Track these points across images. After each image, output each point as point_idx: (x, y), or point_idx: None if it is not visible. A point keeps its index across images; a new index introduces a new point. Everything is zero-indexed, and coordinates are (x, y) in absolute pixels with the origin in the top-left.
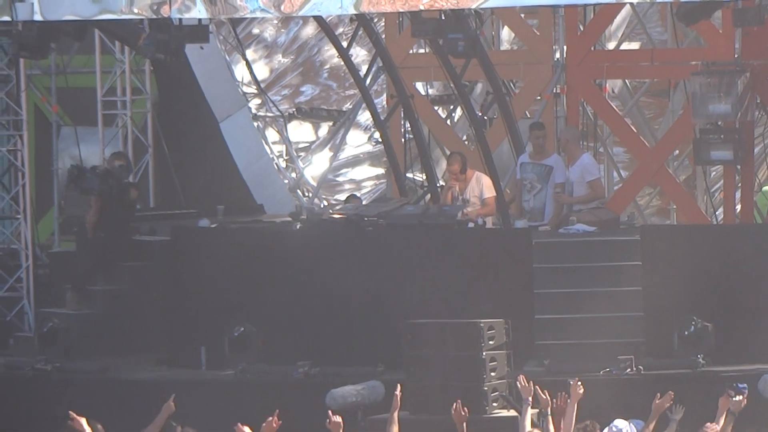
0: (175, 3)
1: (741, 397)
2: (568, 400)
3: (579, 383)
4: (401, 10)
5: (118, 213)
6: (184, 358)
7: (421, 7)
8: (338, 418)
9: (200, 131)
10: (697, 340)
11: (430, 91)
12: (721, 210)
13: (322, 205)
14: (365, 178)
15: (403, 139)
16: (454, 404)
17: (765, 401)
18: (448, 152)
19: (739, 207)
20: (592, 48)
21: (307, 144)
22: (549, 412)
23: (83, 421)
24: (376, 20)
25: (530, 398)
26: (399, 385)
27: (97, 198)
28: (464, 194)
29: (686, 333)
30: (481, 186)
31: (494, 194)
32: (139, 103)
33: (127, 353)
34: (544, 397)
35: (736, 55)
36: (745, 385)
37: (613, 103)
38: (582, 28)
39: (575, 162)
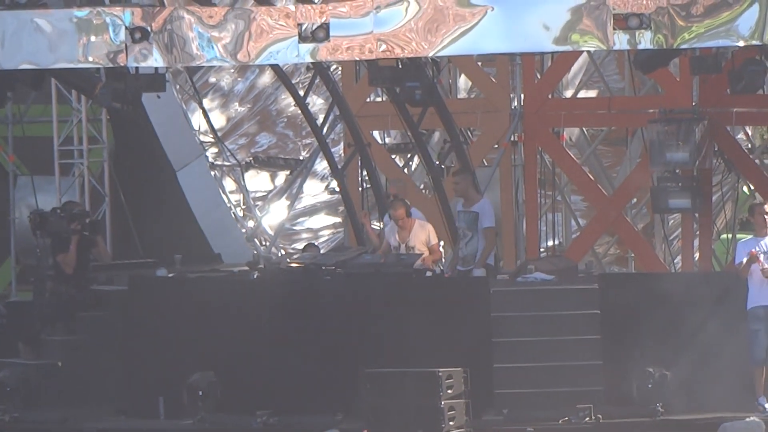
0: (132, 51)
1: None
2: None
3: None
4: (358, 59)
5: (87, 255)
6: (143, 407)
7: (378, 56)
8: None
9: (157, 180)
10: (655, 389)
11: (387, 140)
12: (679, 258)
13: (279, 254)
14: (322, 226)
15: (360, 188)
16: None
17: None
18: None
19: (697, 255)
20: (550, 96)
21: (265, 193)
22: None
23: None
24: (333, 69)
25: None
26: None
27: (75, 238)
28: (408, 241)
29: (645, 381)
30: (427, 233)
31: (437, 241)
32: (95, 153)
33: (85, 403)
34: None
35: (693, 103)
36: None
37: (570, 151)
38: (539, 77)
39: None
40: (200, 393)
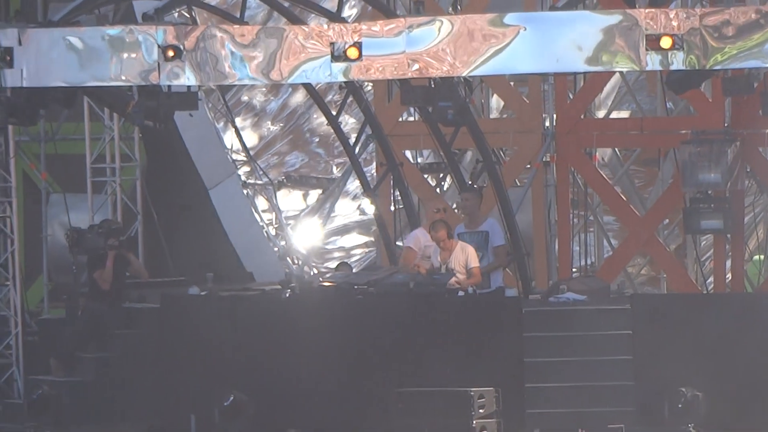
0: (164, 70)
1: None
2: None
3: None
4: (391, 78)
5: (123, 271)
6: (174, 426)
7: (411, 75)
8: None
9: (190, 198)
10: (687, 409)
11: (420, 159)
12: (711, 279)
13: (311, 273)
14: (354, 245)
15: (392, 208)
16: None
17: None
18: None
19: (729, 276)
20: (582, 116)
21: (297, 212)
22: None
23: None
24: (365, 88)
25: None
26: None
27: (112, 254)
28: (449, 263)
29: (677, 402)
30: (467, 255)
31: (478, 264)
32: (128, 170)
33: (117, 421)
34: None
35: (726, 124)
36: None
37: (603, 172)
38: (572, 97)
39: None
40: (232, 411)
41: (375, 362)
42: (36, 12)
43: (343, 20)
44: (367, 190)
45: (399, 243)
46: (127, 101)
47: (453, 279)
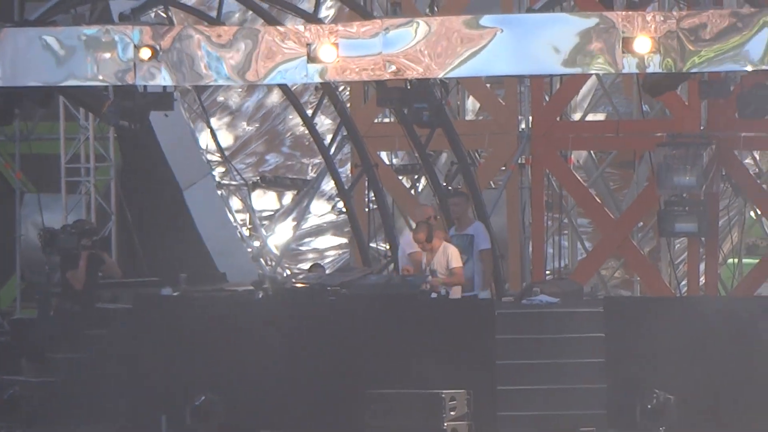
0: (140, 70)
1: None
2: None
3: None
4: (366, 79)
5: (96, 271)
6: (145, 427)
7: (387, 77)
8: None
9: (164, 199)
10: (659, 413)
11: (395, 161)
12: (685, 282)
13: (285, 274)
14: (328, 247)
15: (366, 209)
16: None
17: None
18: (412, 222)
19: (703, 279)
20: (558, 119)
21: (271, 213)
22: None
23: None
24: (341, 89)
25: None
26: None
27: (85, 254)
28: (432, 265)
29: (649, 405)
30: (448, 256)
31: (461, 264)
32: (102, 171)
33: (88, 421)
34: None
35: (701, 127)
36: None
37: (578, 174)
38: (547, 99)
39: None
40: (203, 412)
41: (347, 363)
42: (12, 11)
43: (320, 21)
44: (342, 191)
45: (372, 245)
46: (102, 101)
47: (433, 279)
